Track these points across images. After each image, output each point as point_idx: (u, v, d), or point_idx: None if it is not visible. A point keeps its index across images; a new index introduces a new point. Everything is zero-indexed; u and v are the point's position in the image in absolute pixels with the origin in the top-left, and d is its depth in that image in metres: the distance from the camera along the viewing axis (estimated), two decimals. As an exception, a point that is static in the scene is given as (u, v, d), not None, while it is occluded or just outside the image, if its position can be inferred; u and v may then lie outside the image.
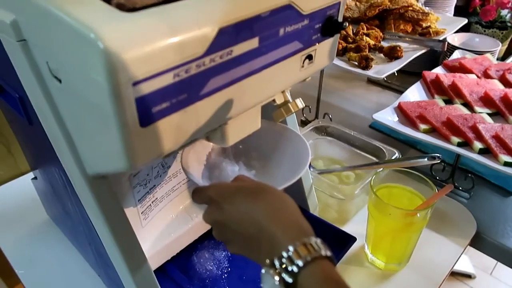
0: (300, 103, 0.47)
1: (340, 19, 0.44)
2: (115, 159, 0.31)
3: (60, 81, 0.33)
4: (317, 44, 0.43)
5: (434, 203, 0.55)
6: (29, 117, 0.42)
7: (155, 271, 0.54)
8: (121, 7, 0.30)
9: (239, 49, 0.34)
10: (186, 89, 0.32)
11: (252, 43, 0.35)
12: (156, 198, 0.53)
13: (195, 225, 0.57)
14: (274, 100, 0.45)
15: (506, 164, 0.67)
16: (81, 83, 0.30)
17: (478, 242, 0.68)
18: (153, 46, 0.28)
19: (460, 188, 0.76)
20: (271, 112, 0.48)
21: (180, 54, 0.30)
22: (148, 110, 0.30)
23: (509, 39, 1.16)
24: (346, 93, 1.16)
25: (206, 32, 0.31)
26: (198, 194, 0.41)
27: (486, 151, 0.71)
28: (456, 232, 0.67)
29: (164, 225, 0.55)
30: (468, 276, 1.50)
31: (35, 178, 0.64)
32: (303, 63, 0.43)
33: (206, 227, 0.60)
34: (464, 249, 0.65)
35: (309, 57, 0.43)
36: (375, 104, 1.09)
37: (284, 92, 0.46)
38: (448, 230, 0.67)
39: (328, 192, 0.65)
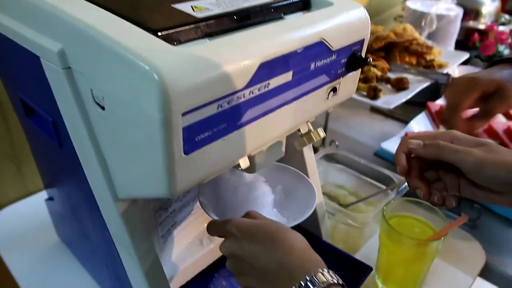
0: (322, 133, 0.48)
1: (363, 54, 0.46)
2: (156, 185, 0.32)
3: (103, 108, 0.34)
4: (341, 77, 0.45)
5: (447, 233, 0.56)
6: (60, 140, 0.43)
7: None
8: (168, 40, 0.32)
9: (275, 82, 0.36)
10: (226, 119, 0.33)
11: (287, 77, 0.37)
12: (175, 222, 0.53)
13: (211, 250, 0.57)
14: (299, 130, 0.46)
15: (513, 195, 0.69)
16: (128, 111, 0.31)
17: (487, 272, 0.69)
18: (202, 78, 0.29)
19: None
20: (292, 140, 0.49)
21: (225, 87, 0.31)
22: (192, 139, 0.31)
23: (507, 74, 1.21)
24: (350, 121, 1.18)
25: (249, 66, 0.32)
26: (215, 226, 0.43)
27: (492, 182, 0.73)
28: (466, 262, 0.68)
29: (180, 249, 0.55)
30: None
31: (50, 199, 0.64)
32: (328, 95, 0.45)
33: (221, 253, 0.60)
34: (474, 279, 0.66)
35: (334, 89, 0.45)
36: (379, 133, 1.11)
37: (308, 122, 0.47)
38: (458, 260, 0.68)
39: (341, 219, 0.66)
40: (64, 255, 0.66)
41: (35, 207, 0.75)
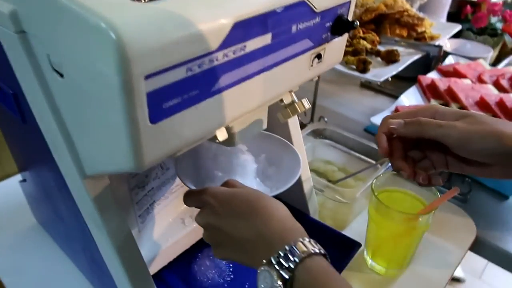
0: (306, 104, 0.46)
1: (350, 18, 0.43)
2: (121, 158, 0.29)
3: (62, 75, 0.31)
4: (326, 43, 0.42)
5: (438, 207, 0.54)
6: (23, 115, 0.40)
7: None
8: (131, -3, 0.28)
9: (252, 44, 0.33)
10: (198, 85, 0.30)
11: (265, 39, 0.34)
12: (154, 201, 0.50)
13: (193, 229, 0.55)
14: (281, 100, 0.43)
15: (505, 168, 0.67)
16: (87, 77, 0.28)
17: (477, 246, 0.68)
18: (167, 37, 0.26)
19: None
20: (276, 112, 0.46)
21: (195, 48, 0.28)
22: (159, 106, 0.28)
23: (499, 46, 1.18)
24: (340, 97, 1.15)
25: (221, 25, 0.29)
26: (191, 197, 0.41)
27: (483, 156, 0.71)
28: (456, 236, 0.67)
29: (161, 229, 0.53)
30: (457, 280, 1.51)
31: (24, 180, 0.61)
32: (312, 62, 0.42)
33: (204, 232, 0.58)
34: (465, 253, 0.65)
35: (318, 56, 0.42)
36: (369, 109, 1.08)
37: (291, 92, 0.45)
38: (448, 234, 0.67)
39: (329, 195, 0.64)
40: (42, 238, 0.63)
41: (11, 189, 0.71)
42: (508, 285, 1.51)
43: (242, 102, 0.35)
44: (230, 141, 0.39)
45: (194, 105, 0.31)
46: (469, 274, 1.55)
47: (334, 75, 1.30)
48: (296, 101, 0.45)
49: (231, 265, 0.56)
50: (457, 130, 0.36)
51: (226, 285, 0.54)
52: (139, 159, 0.29)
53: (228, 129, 0.38)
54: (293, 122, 0.55)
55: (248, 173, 0.47)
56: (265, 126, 0.44)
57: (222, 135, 0.37)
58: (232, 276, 0.55)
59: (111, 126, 0.28)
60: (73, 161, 0.35)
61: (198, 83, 0.30)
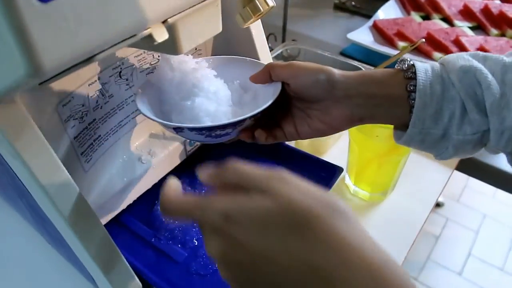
0: (270, 1, 0.37)
1: None
2: (9, 59, 0.21)
3: None
4: None
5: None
6: None
7: (110, 225, 0.46)
8: None
9: None
10: None
11: None
12: (99, 136, 0.42)
13: (152, 167, 0.48)
14: (237, -7, 0.35)
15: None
16: None
17: (464, 164, 0.64)
18: None
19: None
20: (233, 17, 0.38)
21: None
22: (46, -26, 0.19)
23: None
24: (313, 20, 1.06)
25: None
26: (180, 209, 0.26)
27: (470, 66, 0.66)
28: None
29: (114, 169, 0.46)
30: (437, 204, 1.53)
31: None
32: None
33: (167, 169, 0.51)
34: (452, 173, 0.60)
35: None
36: (345, 31, 1.00)
37: (249, -16, 0.36)
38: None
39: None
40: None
41: None
42: (483, 206, 1.55)
43: (180, -15, 0.27)
44: (173, 45, 0.31)
45: (107, -20, 0.22)
46: (448, 198, 1.57)
47: (305, -1, 1.20)
48: (257, -3, 0.37)
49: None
50: (293, 65, 0.38)
51: (195, 223, 0.48)
52: (32, 55, 0.21)
53: (170, 28, 0.30)
54: (256, 28, 0.46)
55: (222, 100, 0.39)
56: (219, 28, 0.35)
57: (159, 33, 0.28)
58: (201, 215, 0.49)
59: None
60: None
61: None
